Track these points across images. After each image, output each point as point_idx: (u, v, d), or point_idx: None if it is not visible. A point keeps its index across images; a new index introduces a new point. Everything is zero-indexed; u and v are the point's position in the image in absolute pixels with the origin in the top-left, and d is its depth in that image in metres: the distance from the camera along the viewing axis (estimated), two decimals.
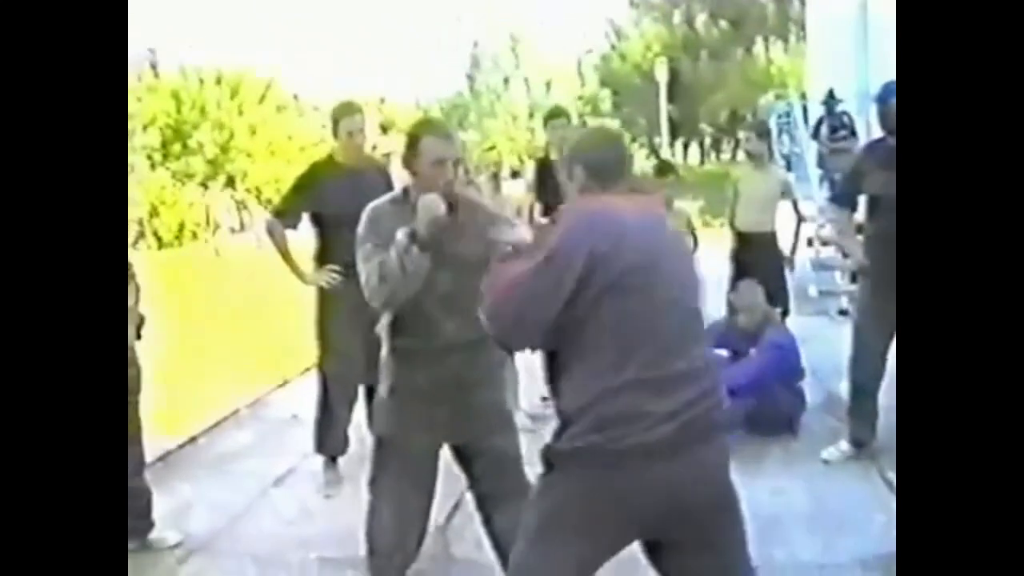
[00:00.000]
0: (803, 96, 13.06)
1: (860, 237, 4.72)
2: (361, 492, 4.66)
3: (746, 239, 6.30)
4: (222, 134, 23.23)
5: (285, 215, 4.76)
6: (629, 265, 2.14)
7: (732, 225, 6.46)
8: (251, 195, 21.36)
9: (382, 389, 3.26)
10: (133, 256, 3.78)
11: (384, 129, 36.40)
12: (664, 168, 5.81)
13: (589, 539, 2.21)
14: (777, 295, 5.84)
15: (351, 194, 4.65)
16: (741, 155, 26.93)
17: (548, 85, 38.82)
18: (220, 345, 8.40)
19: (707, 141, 28.35)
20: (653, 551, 2.36)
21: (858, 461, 4.74)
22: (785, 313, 6.07)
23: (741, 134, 6.74)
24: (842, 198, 4.83)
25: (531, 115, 38.52)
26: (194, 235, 20.45)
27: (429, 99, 37.00)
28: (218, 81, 24.70)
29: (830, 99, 10.27)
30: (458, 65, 33.18)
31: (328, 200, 4.66)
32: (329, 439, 4.90)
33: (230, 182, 23.40)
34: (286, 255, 4.76)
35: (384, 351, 3.25)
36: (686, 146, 28.53)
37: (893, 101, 4.33)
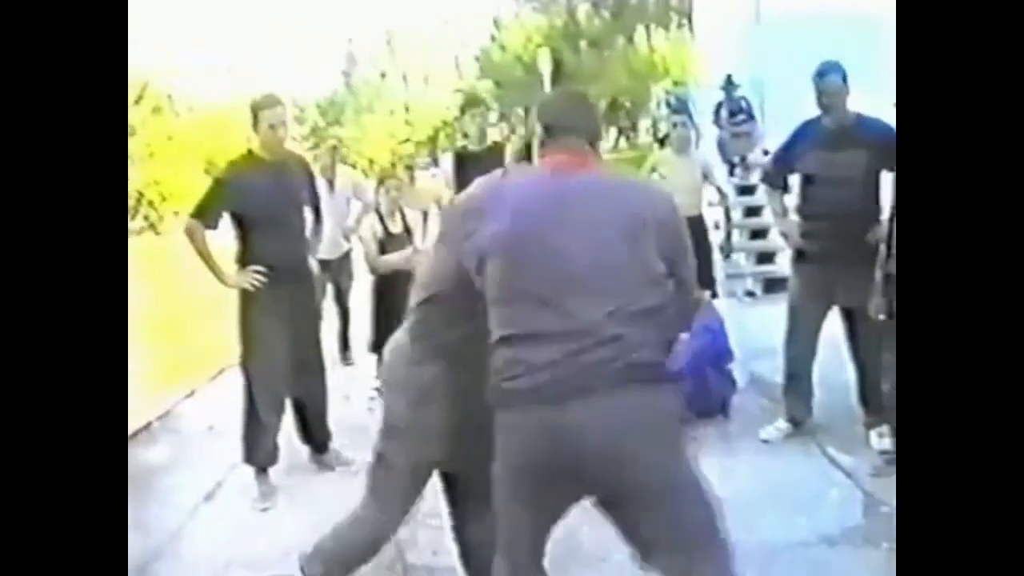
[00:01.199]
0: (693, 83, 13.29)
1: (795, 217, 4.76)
2: (297, 502, 4.54)
3: None
4: None
5: (204, 215, 4.48)
6: (503, 235, 2.33)
7: None
8: (131, 199, 20.48)
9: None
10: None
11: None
12: None
13: (527, 480, 2.38)
14: (706, 278, 5.90)
15: (274, 191, 4.47)
16: (623, 142, 27.37)
17: (426, 79, 38.52)
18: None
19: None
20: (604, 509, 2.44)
21: (797, 438, 4.81)
22: (713, 296, 6.15)
23: (677, 117, 6.74)
24: (773, 178, 4.86)
25: (407, 109, 38.23)
26: None
27: (305, 97, 36.22)
28: None
29: (728, 84, 10.46)
30: (333, 62, 32.59)
31: (250, 198, 4.44)
32: (259, 449, 4.68)
33: None
34: (207, 258, 4.49)
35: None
36: None
37: (831, 78, 4.38)
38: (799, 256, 4.70)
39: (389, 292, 5.42)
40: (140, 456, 5.66)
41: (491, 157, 5.76)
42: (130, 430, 6.03)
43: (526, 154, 3.11)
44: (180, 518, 4.55)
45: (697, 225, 6.53)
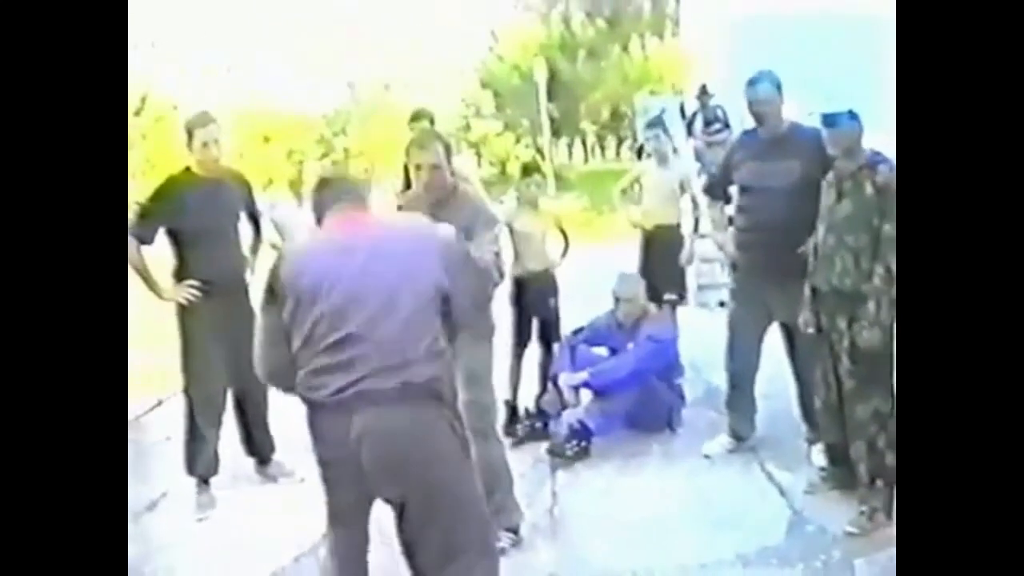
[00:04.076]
0: (678, 92, 13.25)
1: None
2: (236, 513, 4.56)
3: (652, 232, 6.32)
4: None
5: (140, 231, 4.52)
6: (307, 283, 2.76)
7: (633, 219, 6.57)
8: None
9: None
10: None
11: (268, 139, 35.61)
12: (527, 168, 5.78)
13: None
14: (676, 285, 5.82)
15: (208, 207, 4.51)
16: (625, 152, 27.32)
17: (430, 88, 38.52)
18: None
19: (590, 140, 28.51)
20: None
21: (739, 454, 4.75)
22: (682, 298, 6.09)
23: (649, 132, 6.76)
24: (714, 189, 4.82)
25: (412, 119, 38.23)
26: None
27: (311, 107, 36.35)
28: None
29: (703, 94, 10.39)
30: (338, 72, 32.65)
31: (184, 214, 4.49)
32: (199, 460, 4.75)
33: None
34: (143, 272, 4.53)
35: None
36: (570, 145, 28.73)
37: (762, 87, 4.34)
38: (736, 269, 4.65)
39: None
40: None
41: None
42: None
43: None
44: None
45: (673, 234, 6.50)
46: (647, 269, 6.26)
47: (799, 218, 4.17)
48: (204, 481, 4.76)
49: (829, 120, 3.79)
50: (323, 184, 3.05)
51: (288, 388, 2.88)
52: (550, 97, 22.12)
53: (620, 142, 27.21)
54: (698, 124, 10.30)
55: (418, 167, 3.80)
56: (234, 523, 4.53)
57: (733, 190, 4.70)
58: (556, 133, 27.41)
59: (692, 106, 10.74)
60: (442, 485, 2.77)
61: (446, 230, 3.02)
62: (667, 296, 6.17)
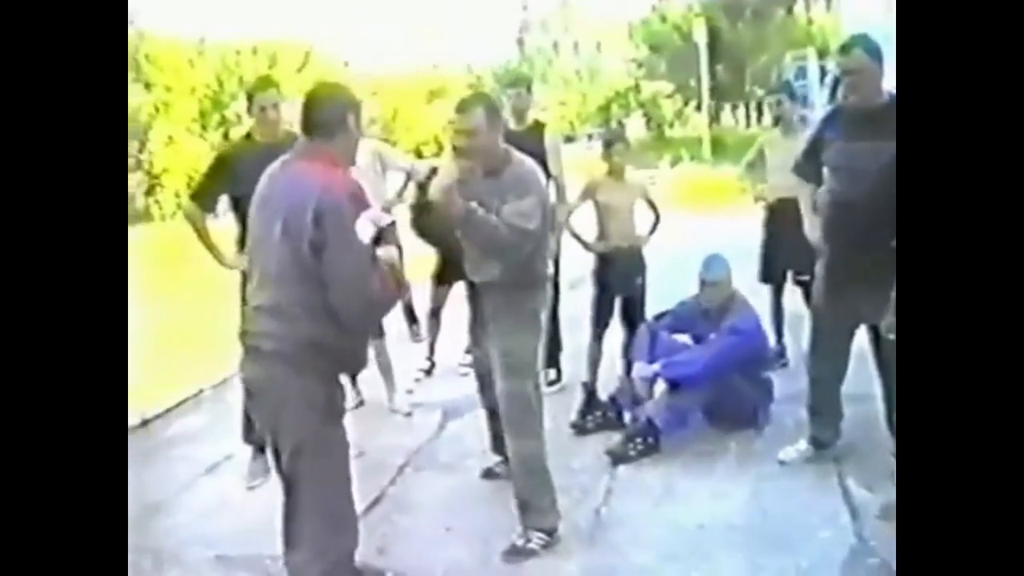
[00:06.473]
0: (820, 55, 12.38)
1: None
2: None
3: (776, 206, 5.72)
4: None
5: (201, 199, 4.53)
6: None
7: (756, 191, 6.07)
8: None
9: None
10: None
11: (434, 95, 36.08)
12: (609, 140, 5.37)
13: None
14: (806, 265, 5.34)
15: None
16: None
17: (599, 47, 38.10)
18: (198, 322, 8.15)
19: (754, 104, 27.39)
20: None
21: (818, 463, 4.27)
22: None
23: (771, 98, 6.26)
24: (804, 170, 4.29)
25: (580, 79, 38.02)
26: None
27: (481, 64, 36.64)
28: (254, 52, 24.77)
29: None
30: (508, 29, 32.82)
31: (245, 181, 4.37)
32: (255, 429, 4.69)
33: None
34: (205, 239, 4.53)
35: None
36: (735, 109, 27.76)
37: (855, 53, 3.82)
38: (822, 257, 4.15)
39: None
40: (176, 423, 5.78)
41: (531, 136, 5.52)
42: (180, 396, 6.18)
43: None
44: (173, 491, 4.61)
45: (794, 207, 5.95)
46: (771, 247, 5.84)
47: (894, 206, 3.63)
48: (260, 450, 4.73)
49: None
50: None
51: None
52: (714, 59, 21.42)
53: None
54: (840, 91, 9.56)
55: (457, 132, 3.62)
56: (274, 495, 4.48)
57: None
58: (722, 97, 26.49)
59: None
60: (288, 444, 2.89)
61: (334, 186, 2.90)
62: (801, 278, 5.58)
